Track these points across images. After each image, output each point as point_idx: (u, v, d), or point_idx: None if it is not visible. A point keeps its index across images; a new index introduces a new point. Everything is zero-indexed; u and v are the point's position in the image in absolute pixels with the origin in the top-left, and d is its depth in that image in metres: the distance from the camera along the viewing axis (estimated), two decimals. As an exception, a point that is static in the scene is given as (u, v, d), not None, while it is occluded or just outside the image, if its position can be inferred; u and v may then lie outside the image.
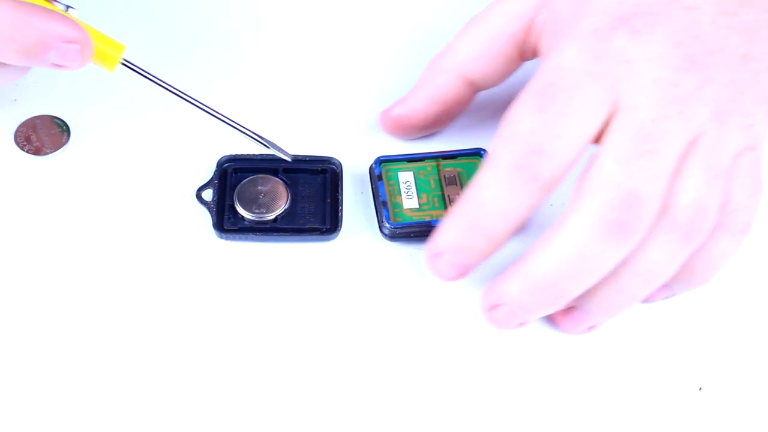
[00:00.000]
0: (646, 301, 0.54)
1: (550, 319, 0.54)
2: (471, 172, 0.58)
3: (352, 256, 0.56)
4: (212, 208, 0.57)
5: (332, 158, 0.58)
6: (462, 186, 0.58)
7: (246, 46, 0.63)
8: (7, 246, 0.56)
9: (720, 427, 0.52)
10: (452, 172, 0.58)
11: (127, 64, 0.54)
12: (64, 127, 0.60)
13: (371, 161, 0.58)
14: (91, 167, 0.59)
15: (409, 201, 0.57)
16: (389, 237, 0.57)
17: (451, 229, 0.52)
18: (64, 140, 0.59)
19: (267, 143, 0.56)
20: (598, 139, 0.51)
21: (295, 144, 0.59)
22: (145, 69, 0.55)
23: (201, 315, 0.54)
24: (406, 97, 0.59)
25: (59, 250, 0.56)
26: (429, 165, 0.58)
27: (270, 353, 0.53)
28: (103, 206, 0.57)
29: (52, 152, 0.59)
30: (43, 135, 0.59)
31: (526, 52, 0.57)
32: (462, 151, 0.58)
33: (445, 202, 0.57)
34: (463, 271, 0.53)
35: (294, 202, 0.57)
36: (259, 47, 0.63)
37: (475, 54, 0.57)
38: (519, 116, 0.51)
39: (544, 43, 0.56)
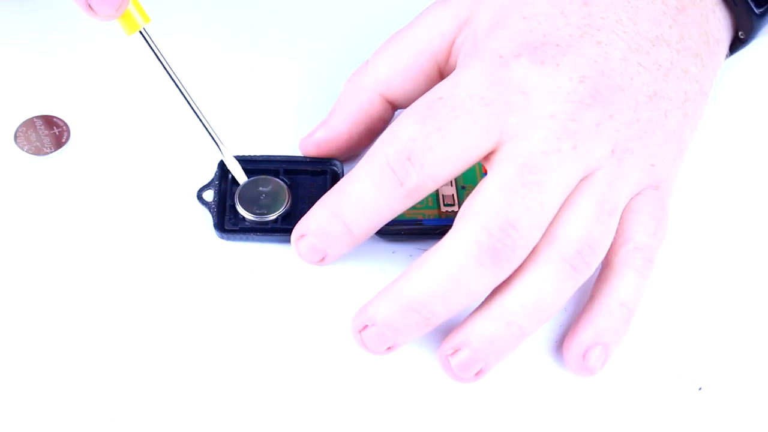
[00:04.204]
0: (588, 371, 0.53)
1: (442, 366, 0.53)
2: (466, 172, 0.58)
3: (352, 257, 0.56)
4: (213, 208, 0.57)
5: (333, 159, 0.58)
6: (456, 186, 0.58)
7: (245, 47, 0.63)
8: (7, 246, 0.56)
9: (720, 427, 0.52)
10: None
11: (144, 36, 0.54)
12: (64, 127, 0.60)
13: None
14: (91, 167, 0.59)
15: None
16: (379, 234, 0.56)
17: (317, 213, 0.53)
18: (64, 140, 0.59)
19: (228, 161, 0.56)
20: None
21: (296, 145, 0.59)
22: (157, 47, 0.55)
23: (202, 315, 0.54)
24: (327, 119, 0.58)
25: (59, 250, 0.56)
26: None
27: (270, 353, 0.53)
28: (103, 206, 0.57)
29: (52, 152, 0.59)
30: (43, 135, 0.59)
31: (445, 72, 0.57)
32: None
33: (439, 202, 0.57)
34: (321, 257, 0.54)
35: (295, 203, 0.57)
36: (258, 48, 0.63)
37: (396, 72, 0.57)
38: (403, 121, 0.52)
39: (458, 62, 0.56)
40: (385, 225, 0.56)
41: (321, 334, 0.54)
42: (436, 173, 0.51)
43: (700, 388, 0.53)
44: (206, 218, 0.56)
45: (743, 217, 0.58)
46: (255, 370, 0.53)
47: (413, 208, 0.57)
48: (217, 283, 0.55)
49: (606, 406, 0.53)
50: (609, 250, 0.53)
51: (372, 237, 0.57)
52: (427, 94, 0.52)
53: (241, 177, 0.56)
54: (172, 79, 0.55)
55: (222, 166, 0.57)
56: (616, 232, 0.53)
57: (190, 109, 0.56)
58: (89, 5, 0.52)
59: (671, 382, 0.53)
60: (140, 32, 0.54)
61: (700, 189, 0.59)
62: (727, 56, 0.58)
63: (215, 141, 0.56)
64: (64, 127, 0.60)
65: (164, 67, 0.55)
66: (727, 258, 0.57)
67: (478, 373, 0.52)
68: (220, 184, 0.57)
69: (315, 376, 0.53)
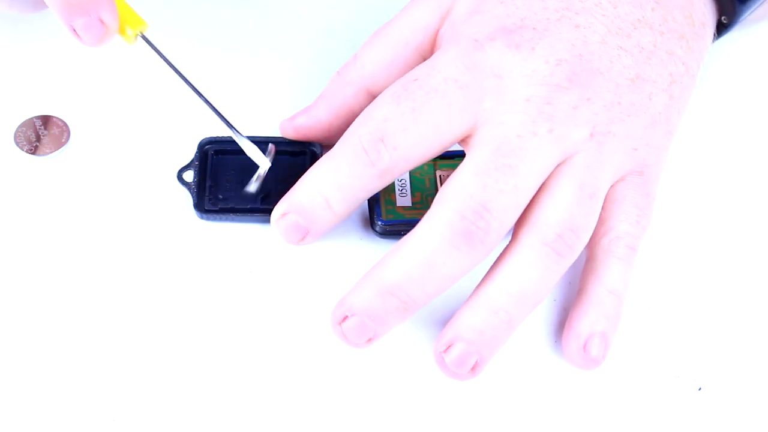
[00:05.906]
0: (593, 362, 0.53)
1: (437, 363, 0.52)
2: None
3: (351, 257, 0.56)
4: (193, 188, 0.57)
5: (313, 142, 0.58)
6: None
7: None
8: (6, 245, 0.56)
9: (720, 427, 0.52)
10: (448, 172, 0.58)
11: (146, 39, 0.54)
12: (64, 127, 0.60)
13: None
14: (91, 167, 0.59)
15: (403, 199, 0.57)
16: (380, 234, 0.56)
17: (298, 189, 0.53)
18: (64, 140, 0.59)
19: (245, 147, 0.56)
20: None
21: (276, 126, 0.59)
22: (160, 50, 0.55)
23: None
24: (310, 107, 0.58)
25: (58, 250, 0.56)
26: (425, 164, 0.58)
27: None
28: (102, 206, 0.57)
29: (51, 152, 0.59)
30: (43, 135, 0.59)
31: None
32: (459, 152, 0.58)
33: None
34: (303, 236, 0.54)
35: (274, 184, 0.57)
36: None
37: (381, 67, 0.57)
38: (378, 102, 0.52)
39: (438, 48, 0.56)
40: (385, 225, 0.56)
41: (319, 332, 0.54)
42: (408, 154, 0.51)
43: (700, 388, 0.53)
44: (186, 198, 0.57)
45: (744, 211, 0.58)
46: (248, 363, 0.53)
47: (413, 208, 0.57)
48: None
49: (606, 406, 0.52)
50: (591, 240, 0.53)
51: (372, 237, 0.57)
52: (404, 76, 0.53)
53: (262, 160, 0.56)
54: (176, 72, 0.55)
55: (201, 146, 0.58)
56: (598, 222, 0.53)
57: (198, 97, 0.55)
58: (74, 31, 0.53)
59: (671, 382, 0.53)
60: (141, 36, 0.54)
61: (701, 182, 0.59)
62: (713, 41, 0.58)
63: (230, 127, 0.55)
64: (64, 127, 0.60)
65: (166, 61, 0.55)
66: (728, 257, 0.57)
67: (474, 368, 0.51)
68: (200, 164, 0.57)
69: (314, 377, 0.53)
